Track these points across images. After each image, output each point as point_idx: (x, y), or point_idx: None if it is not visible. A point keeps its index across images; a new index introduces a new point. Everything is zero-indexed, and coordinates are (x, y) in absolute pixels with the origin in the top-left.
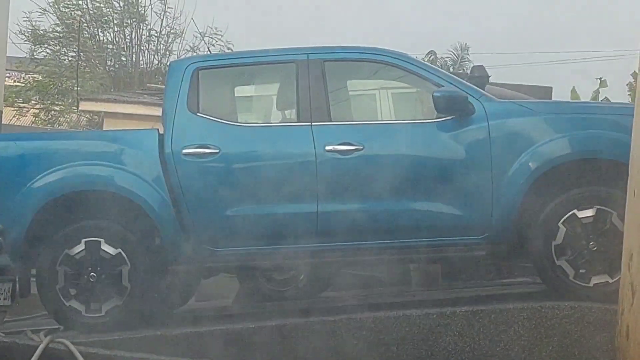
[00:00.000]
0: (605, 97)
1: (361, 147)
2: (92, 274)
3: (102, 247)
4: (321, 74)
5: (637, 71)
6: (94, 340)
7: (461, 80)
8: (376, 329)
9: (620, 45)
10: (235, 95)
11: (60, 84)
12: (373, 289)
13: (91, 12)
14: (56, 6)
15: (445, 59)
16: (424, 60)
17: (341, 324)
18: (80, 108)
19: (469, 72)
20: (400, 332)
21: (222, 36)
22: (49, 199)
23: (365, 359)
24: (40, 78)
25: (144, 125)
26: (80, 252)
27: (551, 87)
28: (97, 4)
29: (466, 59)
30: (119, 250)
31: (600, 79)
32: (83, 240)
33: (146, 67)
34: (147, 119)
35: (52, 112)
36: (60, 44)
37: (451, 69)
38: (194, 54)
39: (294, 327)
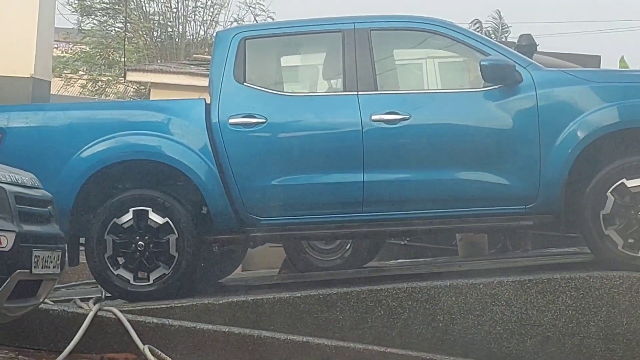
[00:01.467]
0: None
1: (408, 117)
2: (140, 242)
3: (150, 216)
4: (367, 43)
5: None
6: (141, 309)
7: (508, 48)
8: (423, 299)
9: None
10: (282, 64)
11: (107, 55)
12: (420, 259)
13: None
14: None
15: (488, 28)
16: (469, 29)
17: (387, 293)
18: (127, 79)
19: (514, 41)
20: (447, 302)
21: (265, 7)
22: (97, 168)
23: (413, 328)
24: (88, 49)
25: (190, 95)
26: (128, 221)
27: (599, 56)
28: None
29: (507, 27)
30: (167, 219)
31: None
32: (131, 210)
33: (192, 38)
34: (194, 89)
35: (100, 82)
36: (107, 15)
37: (493, 37)
38: (239, 24)
39: (341, 296)
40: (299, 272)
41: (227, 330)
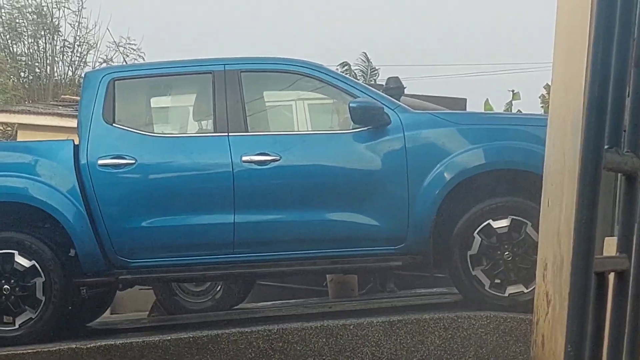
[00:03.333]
0: (519, 110)
1: (278, 158)
2: (5, 286)
3: (16, 259)
4: (238, 84)
5: (549, 83)
6: (7, 354)
7: (377, 91)
8: (293, 340)
9: (533, 58)
10: (152, 105)
11: None
12: (291, 300)
13: (4, 24)
14: None
15: (355, 71)
16: (338, 71)
17: (258, 335)
18: None
19: (383, 83)
20: (318, 343)
21: (136, 47)
22: None
23: None
24: None
25: (58, 136)
26: None
27: (465, 99)
28: (9, 15)
29: (375, 71)
30: (33, 262)
31: (513, 91)
32: None
33: (61, 79)
34: (62, 130)
35: None
36: None
37: (362, 80)
38: (109, 65)
39: (211, 339)
40: (169, 315)
41: None
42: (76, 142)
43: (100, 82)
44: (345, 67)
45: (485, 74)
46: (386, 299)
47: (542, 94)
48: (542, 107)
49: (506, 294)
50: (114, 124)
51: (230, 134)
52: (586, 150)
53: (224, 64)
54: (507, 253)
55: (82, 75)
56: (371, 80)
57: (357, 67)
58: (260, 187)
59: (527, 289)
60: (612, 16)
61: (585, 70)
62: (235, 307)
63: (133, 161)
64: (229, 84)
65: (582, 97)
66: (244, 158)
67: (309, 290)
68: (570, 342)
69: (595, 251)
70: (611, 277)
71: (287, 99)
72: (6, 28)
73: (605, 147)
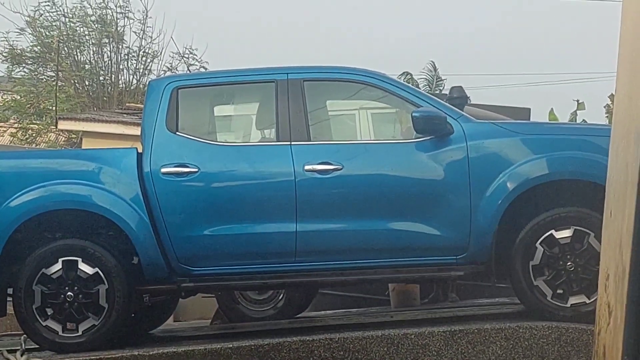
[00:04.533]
0: (583, 119)
1: (340, 167)
2: (69, 293)
3: (79, 267)
4: (300, 93)
5: (614, 93)
6: None
7: (440, 100)
8: (354, 349)
9: (598, 68)
10: (215, 114)
11: (38, 104)
12: (352, 309)
13: (68, 32)
14: (33, 26)
15: (419, 80)
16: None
17: (320, 343)
18: (58, 127)
19: (446, 92)
20: (379, 352)
21: (198, 57)
22: (27, 217)
23: None
24: (18, 97)
25: (123, 144)
26: (57, 271)
27: (529, 109)
28: (73, 24)
29: (440, 80)
30: (97, 269)
31: (577, 100)
32: (60, 260)
33: (125, 87)
34: (126, 138)
35: (30, 131)
36: (38, 64)
37: (427, 89)
38: (172, 73)
39: (273, 347)
40: (231, 323)
41: None
42: (139, 151)
43: (164, 90)
44: (407, 77)
45: (551, 83)
46: (447, 309)
47: (607, 104)
48: (606, 117)
49: (568, 305)
50: (177, 133)
51: (292, 142)
52: None
53: (287, 73)
54: (569, 263)
55: (146, 83)
56: (436, 90)
57: (423, 76)
58: (322, 196)
59: (589, 299)
60: None
61: None
62: (297, 315)
63: (196, 169)
64: (291, 93)
65: None
66: (307, 167)
67: (371, 299)
68: (627, 354)
69: None
70: None
71: (350, 108)
72: (70, 37)
73: None
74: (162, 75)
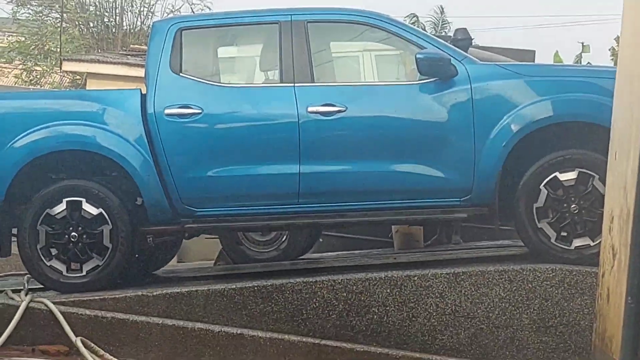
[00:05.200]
0: (589, 62)
1: (344, 109)
2: (73, 233)
3: (84, 207)
4: (304, 35)
5: (619, 35)
6: (74, 300)
7: (444, 42)
8: (357, 291)
9: (605, 10)
10: (218, 55)
11: (42, 45)
12: (356, 251)
13: None
14: None
15: (425, 23)
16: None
17: (323, 285)
18: (63, 69)
19: (451, 34)
20: (382, 294)
21: None
22: (31, 158)
23: (348, 320)
24: (23, 39)
25: (127, 86)
26: (61, 211)
27: (534, 51)
28: None
29: (446, 22)
30: (100, 210)
31: (582, 43)
32: (64, 200)
33: (129, 29)
34: (130, 79)
35: (35, 72)
36: (43, 5)
37: (433, 32)
38: (176, 14)
39: (276, 288)
40: (234, 264)
41: (160, 322)
42: (143, 92)
43: (167, 31)
44: (413, 19)
45: (556, 25)
46: (451, 251)
47: (612, 47)
48: (611, 59)
49: (572, 247)
50: (181, 74)
51: (296, 84)
52: None
53: (291, 14)
54: (573, 206)
55: (150, 25)
56: (442, 33)
57: (429, 19)
58: (325, 137)
59: (593, 242)
60: None
61: None
62: (301, 257)
63: (199, 111)
64: (295, 34)
65: None
66: (310, 108)
67: (375, 241)
68: (632, 295)
69: None
70: None
71: (354, 50)
72: None
73: None
74: (166, 17)
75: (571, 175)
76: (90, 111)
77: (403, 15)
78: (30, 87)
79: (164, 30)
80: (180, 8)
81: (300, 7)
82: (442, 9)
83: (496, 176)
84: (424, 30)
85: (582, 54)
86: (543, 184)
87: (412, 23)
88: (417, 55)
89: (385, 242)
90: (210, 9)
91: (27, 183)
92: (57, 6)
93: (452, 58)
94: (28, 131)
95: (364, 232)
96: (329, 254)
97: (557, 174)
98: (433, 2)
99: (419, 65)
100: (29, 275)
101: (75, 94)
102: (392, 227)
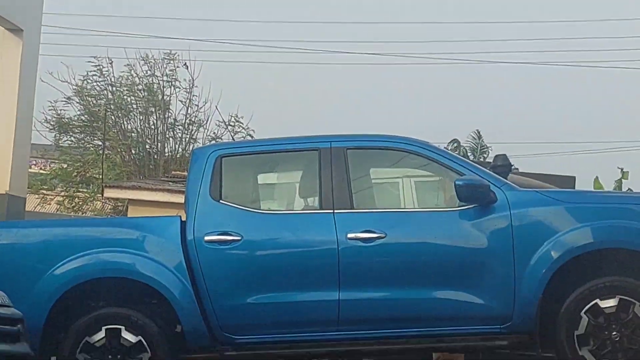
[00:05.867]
0: (629, 188)
1: (383, 235)
2: None
3: (123, 335)
4: (344, 161)
5: None
6: None
7: (483, 169)
8: None
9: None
10: (258, 182)
11: (84, 172)
12: None
13: (115, 101)
14: (81, 95)
15: (466, 147)
16: (447, 149)
17: None
18: (104, 195)
19: (491, 160)
20: None
21: (243, 125)
22: (71, 285)
23: None
24: (65, 166)
25: (169, 212)
26: (100, 339)
27: (574, 177)
28: (120, 93)
29: (485, 148)
30: (140, 337)
31: (622, 169)
32: (103, 328)
33: (171, 155)
34: (172, 206)
35: (76, 199)
36: (85, 132)
37: (471, 157)
38: (217, 141)
39: None
40: None
41: None
42: (183, 219)
43: (207, 158)
44: (455, 145)
45: (596, 152)
46: None
47: None
48: None
49: None
50: (220, 201)
51: (335, 210)
52: None
53: (330, 141)
54: (614, 333)
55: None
56: (480, 158)
57: (467, 145)
58: (365, 264)
59: None
60: None
61: None
62: None
63: (239, 237)
64: (335, 161)
65: None
66: (350, 235)
67: None
68: None
69: None
70: None
71: (394, 176)
72: (117, 105)
73: None
74: (206, 144)
75: (612, 302)
76: (130, 238)
77: (446, 140)
78: (72, 213)
79: (204, 157)
80: (222, 135)
81: (340, 134)
82: (479, 133)
83: (537, 303)
84: (466, 156)
85: (622, 179)
86: (584, 310)
87: (454, 149)
88: (456, 182)
89: None
90: (252, 136)
91: (66, 310)
92: (99, 133)
93: (491, 184)
94: (68, 258)
95: (405, 359)
96: None
97: (597, 300)
98: (473, 128)
99: (458, 192)
100: None
101: (115, 221)
102: (433, 354)
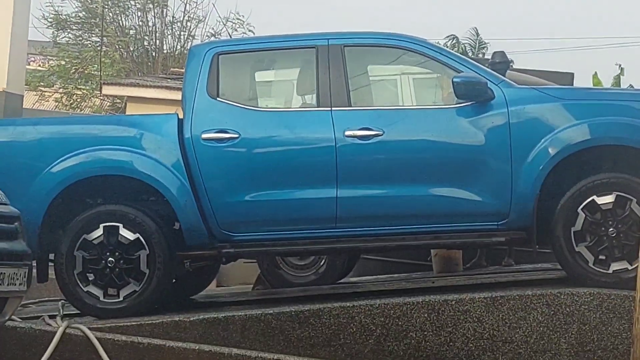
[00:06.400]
0: (630, 84)
1: (381, 133)
2: (110, 259)
3: (121, 232)
4: (341, 59)
5: None
6: (111, 326)
7: (481, 65)
8: (395, 315)
9: None
10: (256, 80)
11: (83, 69)
12: (393, 275)
13: None
14: None
15: (464, 44)
16: (445, 45)
17: (360, 309)
18: (103, 92)
19: (489, 57)
20: (419, 319)
21: (243, 22)
22: (68, 183)
23: (385, 345)
24: (63, 63)
25: (167, 110)
26: (98, 237)
27: (573, 73)
28: None
29: (484, 44)
30: (137, 235)
31: (619, 65)
32: (101, 225)
33: (169, 52)
34: (171, 103)
35: (75, 96)
36: (83, 29)
37: (470, 54)
38: (217, 39)
39: (313, 313)
40: (273, 288)
41: (197, 347)
42: (181, 116)
43: (204, 56)
44: (453, 41)
45: (595, 47)
46: (490, 274)
47: None
48: None
49: (610, 271)
50: (218, 98)
51: (333, 108)
52: None
53: (328, 39)
54: (611, 229)
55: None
56: (479, 55)
57: (465, 42)
58: (362, 161)
59: (631, 265)
60: None
61: None
62: (339, 281)
63: (237, 135)
64: (332, 59)
65: None
66: (347, 133)
67: (414, 264)
68: None
69: None
70: None
71: (392, 74)
72: (115, 2)
73: None
74: (203, 42)
75: (609, 198)
76: (128, 136)
77: (443, 37)
78: (70, 110)
79: (201, 54)
80: (221, 32)
81: (338, 31)
82: (477, 30)
83: (534, 200)
84: (465, 52)
85: (620, 76)
86: (581, 207)
87: (452, 45)
88: (454, 79)
89: (424, 266)
90: (253, 32)
91: (64, 209)
92: (97, 30)
93: (489, 81)
94: (65, 156)
95: (403, 255)
96: (368, 277)
97: (594, 197)
98: (471, 23)
99: (456, 89)
100: (64, 301)
101: (112, 119)
102: (431, 250)
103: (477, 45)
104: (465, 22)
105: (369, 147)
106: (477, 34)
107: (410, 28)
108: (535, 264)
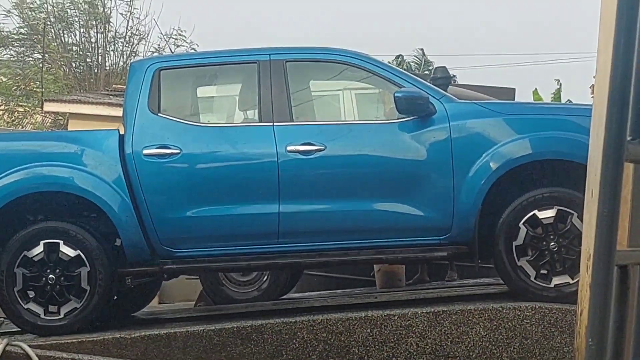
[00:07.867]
0: (569, 100)
1: (323, 148)
2: (50, 276)
3: (61, 249)
4: (283, 74)
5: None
6: (52, 344)
7: (423, 81)
8: (337, 331)
9: (582, 48)
10: (197, 95)
11: (24, 86)
12: (336, 291)
13: (56, 14)
14: (21, 8)
15: (410, 63)
16: (392, 64)
17: (303, 325)
18: (45, 109)
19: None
20: (362, 334)
21: (186, 38)
22: (8, 199)
23: None
24: (4, 79)
25: (110, 126)
26: (38, 253)
27: (514, 89)
28: (61, 5)
29: (429, 63)
30: (78, 252)
31: (558, 80)
32: (42, 242)
33: (112, 69)
34: (113, 120)
35: (17, 113)
36: (25, 46)
37: (417, 71)
38: (159, 54)
39: (255, 329)
40: (215, 305)
41: None
42: (122, 132)
43: (145, 71)
44: (399, 60)
45: (536, 63)
46: (432, 289)
47: (592, 84)
48: (592, 97)
49: (552, 285)
50: (159, 114)
51: (275, 123)
52: (608, 141)
53: (270, 54)
54: (552, 244)
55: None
56: (424, 72)
57: (413, 60)
58: (305, 176)
59: (572, 279)
60: (633, 9)
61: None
62: (282, 297)
63: (178, 151)
64: (274, 74)
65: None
66: (289, 148)
67: (357, 280)
68: (592, 336)
69: (619, 244)
70: (636, 270)
71: (334, 89)
72: (57, 18)
73: (628, 138)
74: (144, 57)
75: (550, 213)
76: (68, 152)
77: (390, 55)
78: (12, 127)
79: (142, 70)
80: (164, 48)
81: (279, 46)
82: (423, 51)
83: (476, 214)
84: (410, 70)
85: (561, 90)
86: (522, 221)
87: (399, 63)
88: (396, 94)
89: (367, 281)
90: (195, 49)
91: (4, 225)
92: (39, 47)
93: (430, 96)
94: (5, 172)
95: (346, 271)
96: (311, 293)
97: (536, 211)
98: (417, 43)
99: (398, 104)
100: (3, 318)
101: (53, 135)
102: (374, 265)
103: (423, 64)
104: (411, 39)
105: (311, 162)
106: (423, 54)
107: (359, 46)
108: (477, 279)
